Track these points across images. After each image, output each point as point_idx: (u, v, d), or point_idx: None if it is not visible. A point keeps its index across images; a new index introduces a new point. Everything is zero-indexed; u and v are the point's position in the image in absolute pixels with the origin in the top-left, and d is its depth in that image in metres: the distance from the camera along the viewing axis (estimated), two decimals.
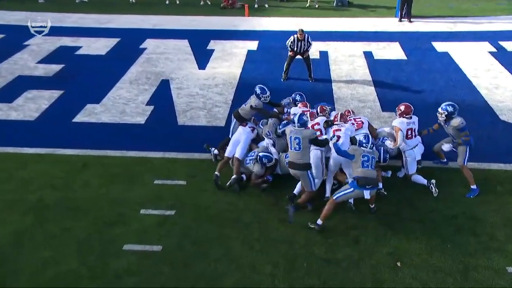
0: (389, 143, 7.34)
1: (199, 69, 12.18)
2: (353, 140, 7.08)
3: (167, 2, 18.98)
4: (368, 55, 13.03)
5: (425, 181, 7.26)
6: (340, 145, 6.92)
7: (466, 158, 7.30)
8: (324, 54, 13.09)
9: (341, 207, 6.82)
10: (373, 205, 6.83)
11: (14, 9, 17.77)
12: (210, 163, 7.90)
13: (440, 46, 13.58)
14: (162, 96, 10.65)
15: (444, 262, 5.99)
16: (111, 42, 14.11)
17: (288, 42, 11.02)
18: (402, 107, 7.31)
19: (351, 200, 6.79)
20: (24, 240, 6.36)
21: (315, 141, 6.67)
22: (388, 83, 11.27)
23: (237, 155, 7.54)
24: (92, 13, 17.36)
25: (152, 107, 10.06)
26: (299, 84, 11.04)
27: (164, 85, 11.21)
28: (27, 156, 8.27)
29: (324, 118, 7.65)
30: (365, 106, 10.07)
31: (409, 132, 7.23)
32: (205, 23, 16.14)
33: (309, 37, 10.98)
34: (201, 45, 13.79)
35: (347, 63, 12.53)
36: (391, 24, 16.06)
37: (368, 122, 7.86)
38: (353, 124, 7.64)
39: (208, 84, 11.29)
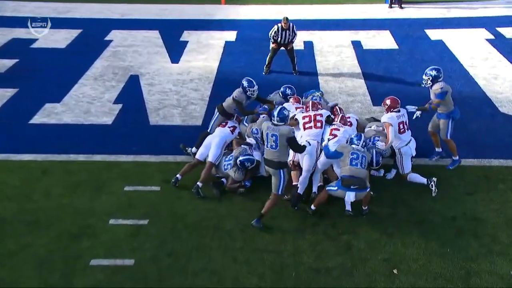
0: (380, 144, 7.42)
1: (172, 63, 12.10)
2: None
3: None
4: (356, 44, 13.14)
5: (423, 180, 7.33)
6: (331, 147, 6.99)
7: (449, 132, 7.69)
8: (309, 45, 13.14)
9: (330, 211, 6.84)
10: (366, 207, 6.88)
11: None
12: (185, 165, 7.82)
13: (433, 34, 13.78)
14: (131, 93, 10.54)
15: (444, 268, 6.06)
16: (72, 34, 13.89)
17: (271, 33, 11.01)
18: (388, 101, 7.41)
19: (349, 207, 6.81)
20: None
21: (292, 142, 6.52)
22: (378, 75, 11.38)
23: (210, 158, 7.52)
24: (50, 1, 17.06)
25: (120, 106, 9.95)
26: (282, 77, 11.05)
27: (133, 81, 11.10)
28: None
29: (328, 112, 7.72)
30: (354, 101, 10.14)
31: (401, 126, 7.32)
32: (178, 12, 16.04)
33: (294, 26, 11.02)
34: (173, 37, 13.69)
35: (334, 54, 12.60)
36: (381, 10, 16.22)
37: (357, 121, 7.92)
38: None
39: (182, 79, 11.22)
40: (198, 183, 7.28)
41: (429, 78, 7.68)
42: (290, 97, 8.45)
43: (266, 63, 11.34)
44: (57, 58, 12.31)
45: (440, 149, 8.06)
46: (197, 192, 7.24)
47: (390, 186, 7.51)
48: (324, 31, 14.13)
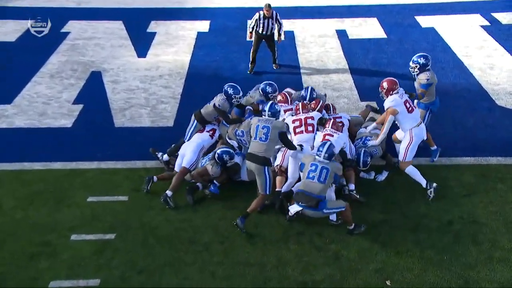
0: (372, 142, 7.50)
1: (139, 57, 12.03)
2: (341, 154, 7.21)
3: None
4: (341, 34, 13.25)
5: (423, 181, 7.36)
6: None
7: (426, 123, 7.84)
8: (289, 35, 13.14)
9: (316, 219, 6.88)
10: (352, 227, 6.72)
11: None
12: (157, 172, 7.79)
13: (424, 21, 13.99)
14: (93, 92, 10.44)
15: (441, 277, 6.15)
16: (23, 25, 13.62)
17: (251, 22, 10.89)
18: (385, 84, 7.40)
19: (333, 216, 6.85)
20: None
21: (283, 137, 6.78)
22: (366, 67, 11.50)
23: (184, 163, 7.51)
24: None
25: (80, 106, 9.85)
26: (262, 71, 11.08)
27: (95, 78, 10.99)
28: None
29: (320, 114, 7.73)
30: (340, 96, 10.23)
31: (408, 105, 7.27)
32: (144, 0, 15.92)
33: (278, 15, 10.91)
34: (139, 28, 13.60)
35: (317, 44, 12.69)
36: None
37: (349, 121, 7.97)
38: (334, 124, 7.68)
39: (150, 75, 11.15)
40: (167, 191, 7.26)
41: (416, 66, 7.82)
42: (271, 95, 8.31)
43: (250, 59, 11.15)
44: (6, 53, 12.11)
45: (435, 146, 8.18)
46: (165, 201, 7.21)
47: (380, 189, 7.59)
48: (306, 20, 14.22)
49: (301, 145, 7.16)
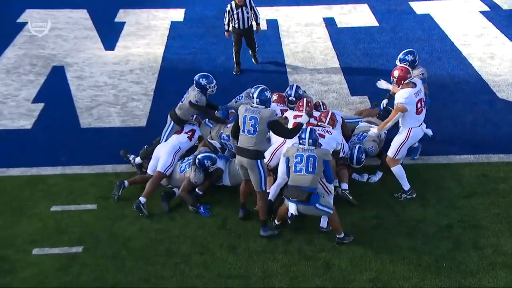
0: (372, 131, 7.58)
1: (106, 50, 11.99)
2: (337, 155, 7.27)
3: None
4: (329, 22, 13.33)
5: (407, 185, 7.45)
6: None
7: None
8: (272, 24, 13.24)
9: (305, 225, 6.94)
10: (341, 235, 6.76)
11: None
12: (129, 177, 7.78)
13: (419, 7, 14.12)
14: (55, 89, 10.39)
15: (440, 286, 6.24)
16: None
17: (225, 19, 10.56)
18: (396, 72, 7.23)
19: (324, 223, 6.92)
20: None
21: (274, 126, 6.63)
22: (356, 58, 11.61)
23: (159, 167, 7.52)
24: None
25: (41, 106, 9.81)
26: (242, 68, 11.10)
27: (57, 73, 10.94)
28: None
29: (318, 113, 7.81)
30: (329, 90, 10.32)
31: (419, 105, 7.21)
32: None
33: (252, 1, 10.51)
34: (106, 17, 13.54)
35: (303, 34, 12.76)
36: None
37: (343, 119, 8.06)
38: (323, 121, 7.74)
39: (119, 70, 11.13)
40: (140, 198, 7.26)
41: (405, 65, 7.78)
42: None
43: (234, 60, 10.87)
44: None
45: (416, 143, 8.29)
46: (138, 209, 7.21)
47: (373, 191, 7.69)
48: (291, 7, 14.27)
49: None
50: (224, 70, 10.91)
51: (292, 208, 6.60)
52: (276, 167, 7.41)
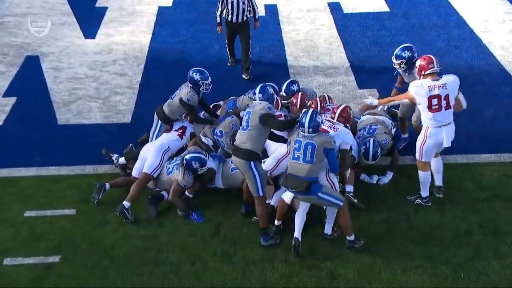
0: (370, 101, 7.67)
1: (86, 38, 12.01)
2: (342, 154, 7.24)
3: None
4: (335, 7, 13.36)
5: (426, 192, 7.45)
6: None
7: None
8: (271, 10, 13.26)
9: (307, 230, 6.96)
10: (352, 237, 6.80)
11: None
12: (111, 179, 7.78)
13: None
14: (29, 81, 10.41)
15: None
16: None
17: (217, 9, 10.25)
18: (418, 62, 7.26)
19: (328, 230, 6.93)
20: None
21: (267, 120, 6.62)
22: (364, 47, 11.63)
23: (145, 169, 7.52)
24: None
25: (13, 100, 9.82)
26: (238, 59, 11.08)
27: (32, 64, 10.96)
28: None
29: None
30: (334, 83, 10.33)
31: (434, 101, 7.11)
32: None
33: None
34: (86, 1, 13.57)
35: (305, 21, 12.78)
36: None
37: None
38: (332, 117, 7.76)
39: (101, 60, 11.15)
40: (124, 202, 7.27)
41: (402, 62, 7.87)
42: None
43: (228, 52, 10.81)
44: None
45: (406, 135, 8.40)
46: (122, 214, 7.22)
47: (383, 193, 7.70)
48: None
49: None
50: (218, 61, 10.94)
51: (287, 197, 6.66)
52: (279, 176, 7.44)
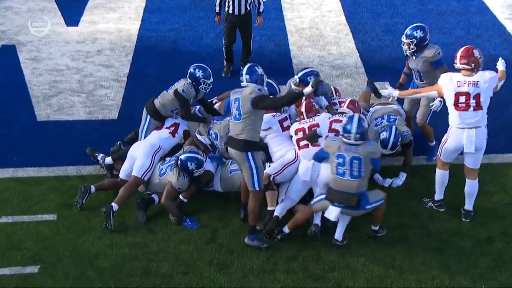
0: (390, 91, 7.64)
1: (68, 25, 12.04)
2: None
3: None
4: None
5: (441, 195, 7.48)
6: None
7: (430, 115, 8.04)
8: None
9: (312, 239, 7.01)
10: (377, 227, 7.06)
11: None
12: (97, 181, 7.83)
13: None
14: (4, 74, 10.46)
15: None
16: None
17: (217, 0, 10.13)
18: (458, 53, 7.16)
19: (339, 235, 6.97)
20: None
21: (259, 101, 6.58)
22: (376, 36, 11.68)
23: (135, 171, 7.55)
24: None
25: None
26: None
27: (7, 54, 11.01)
28: None
29: (327, 117, 7.72)
30: (341, 75, 10.38)
31: (462, 99, 7.05)
32: None
33: None
34: None
35: (310, 7, 12.82)
36: None
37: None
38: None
39: (85, 50, 11.18)
40: (113, 204, 7.28)
41: (412, 42, 7.84)
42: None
43: (225, 56, 10.47)
44: None
45: (434, 142, 8.40)
46: (107, 215, 7.16)
47: (395, 196, 7.68)
48: None
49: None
50: (213, 51, 10.97)
51: (333, 214, 6.67)
52: (282, 182, 7.48)
